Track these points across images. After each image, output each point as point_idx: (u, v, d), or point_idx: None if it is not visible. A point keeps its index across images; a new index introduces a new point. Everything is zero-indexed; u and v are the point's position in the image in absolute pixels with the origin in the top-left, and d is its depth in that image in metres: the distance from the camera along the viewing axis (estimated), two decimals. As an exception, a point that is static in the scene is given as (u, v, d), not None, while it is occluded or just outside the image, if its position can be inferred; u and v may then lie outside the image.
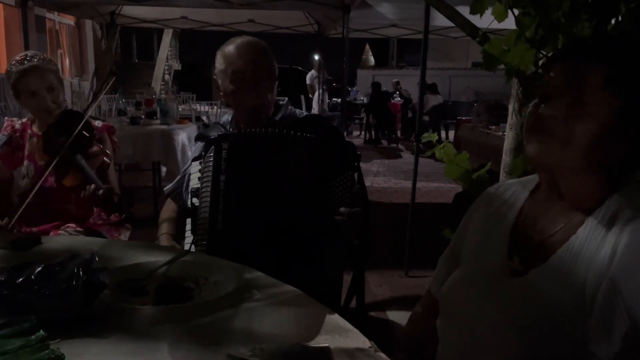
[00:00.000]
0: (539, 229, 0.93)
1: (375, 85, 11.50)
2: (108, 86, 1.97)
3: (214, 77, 1.66)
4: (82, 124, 1.88)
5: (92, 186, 1.83)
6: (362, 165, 1.46)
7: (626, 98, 0.83)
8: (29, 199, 1.78)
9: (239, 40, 1.62)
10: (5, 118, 2.31)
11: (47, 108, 2.02)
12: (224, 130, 1.67)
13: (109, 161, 2.08)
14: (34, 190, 1.80)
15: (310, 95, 11.52)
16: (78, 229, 2.08)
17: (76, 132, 1.84)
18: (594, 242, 0.84)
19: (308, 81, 12.09)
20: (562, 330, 0.82)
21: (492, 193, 1.08)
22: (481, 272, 0.97)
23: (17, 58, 2.02)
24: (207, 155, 1.49)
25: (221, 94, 1.66)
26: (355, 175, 1.44)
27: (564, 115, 0.85)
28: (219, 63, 1.63)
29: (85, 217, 2.15)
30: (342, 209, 1.37)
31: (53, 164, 1.82)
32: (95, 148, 2.00)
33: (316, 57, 11.57)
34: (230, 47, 1.61)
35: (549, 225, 0.92)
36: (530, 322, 0.85)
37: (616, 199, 0.85)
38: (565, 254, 0.86)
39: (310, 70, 12.99)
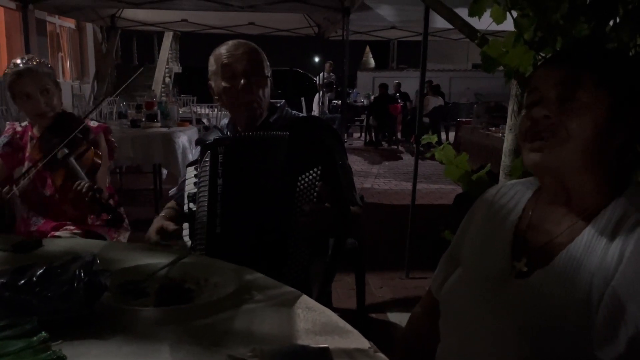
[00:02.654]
0: (544, 231, 0.92)
1: (383, 87, 11.49)
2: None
3: (209, 81, 1.67)
4: (80, 127, 1.89)
5: (82, 183, 1.82)
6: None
7: (614, 96, 0.84)
8: (28, 176, 1.83)
9: (229, 41, 1.65)
10: (7, 122, 2.34)
11: (40, 111, 2.06)
12: (221, 134, 1.67)
13: (99, 161, 2.09)
14: (25, 180, 1.84)
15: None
16: (76, 230, 2.09)
17: (72, 136, 1.86)
18: (599, 244, 0.82)
19: (320, 82, 12.18)
20: (564, 333, 0.81)
21: (493, 194, 1.06)
22: (483, 273, 0.96)
23: (15, 61, 2.07)
24: (204, 159, 1.50)
25: (215, 97, 1.67)
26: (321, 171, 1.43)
27: (558, 113, 0.86)
28: (211, 65, 1.64)
29: (82, 218, 2.16)
30: (306, 207, 1.38)
31: (44, 162, 1.86)
32: (84, 148, 2.02)
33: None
34: (221, 48, 1.63)
35: (554, 227, 0.90)
36: (532, 324, 0.83)
37: (622, 201, 0.84)
38: (570, 256, 0.84)
39: (320, 72, 13.11)
